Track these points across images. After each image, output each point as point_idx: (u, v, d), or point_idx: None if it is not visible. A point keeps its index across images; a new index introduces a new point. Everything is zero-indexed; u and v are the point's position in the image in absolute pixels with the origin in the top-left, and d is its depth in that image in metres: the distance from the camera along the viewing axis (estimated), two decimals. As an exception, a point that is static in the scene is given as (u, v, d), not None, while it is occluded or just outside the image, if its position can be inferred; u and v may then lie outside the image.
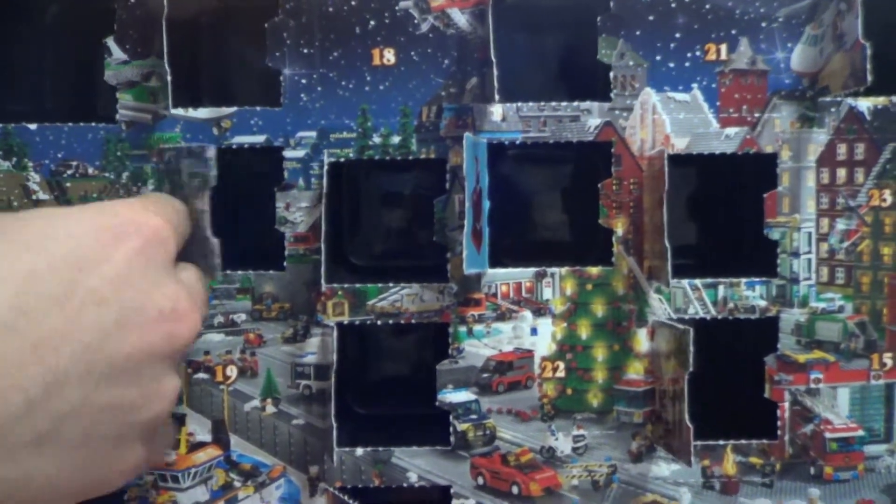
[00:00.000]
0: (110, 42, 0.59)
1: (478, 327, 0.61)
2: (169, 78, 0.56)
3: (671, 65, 0.59)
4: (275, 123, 0.61)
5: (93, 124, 0.60)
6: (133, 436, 0.43)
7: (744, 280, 0.60)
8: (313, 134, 0.61)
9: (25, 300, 0.37)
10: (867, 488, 0.60)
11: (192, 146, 0.59)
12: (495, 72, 0.54)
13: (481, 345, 0.61)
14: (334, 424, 0.56)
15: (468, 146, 0.53)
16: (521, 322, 0.61)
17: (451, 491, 0.60)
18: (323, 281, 0.57)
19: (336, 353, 0.56)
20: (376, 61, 0.60)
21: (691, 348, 0.52)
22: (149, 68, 0.60)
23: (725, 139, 0.59)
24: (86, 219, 0.42)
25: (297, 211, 0.61)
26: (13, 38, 0.62)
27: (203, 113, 0.61)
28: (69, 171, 0.61)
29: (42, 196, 0.61)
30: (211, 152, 0.57)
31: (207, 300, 0.50)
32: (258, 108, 0.60)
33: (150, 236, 0.43)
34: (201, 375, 0.62)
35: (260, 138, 0.61)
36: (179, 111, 0.60)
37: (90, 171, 0.61)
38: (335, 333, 0.57)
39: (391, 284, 0.61)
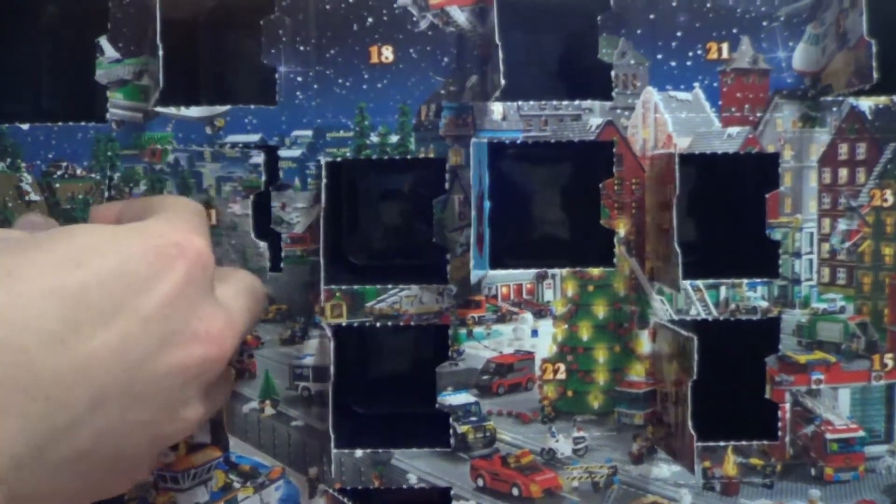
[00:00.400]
0: (103, 41, 0.58)
1: (478, 329, 0.60)
2: (160, 71, 0.55)
3: (672, 63, 0.59)
4: (269, 122, 0.60)
5: (82, 123, 0.59)
6: (148, 456, 0.43)
7: (745, 281, 0.60)
8: (309, 133, 0.60)
9: (76, 315, 0.37)
10: (868, 489, 0.60)
11: (225, 150, 0.58)
12: (501, 67, 0.53)
13: (481, 347, 0.60)
14: (331, 430, 0.56)
15: (475, 153, 0.53)
16: (522, 324, 0.60)
17: (451, 493, 0.60)
18: (322, 282, 0.57)
19: (333, 356, 0.55)
20: (374, 59, 0.59)
21: (695, 356, 0.51)
22: (141, 66, 0.59)
23: (728, 139, 0.59)
24: (133, 238, 0.41)
25: (293, 211, 0.60)
26: (6, 38, 0.60)
27: (196, 111, 0.59)
28: (59, 172, 0.60)
29: (34, 197, 0.60)
30: (259, 158, 0.57)
31: (251, 312, 0.49)
32: (252, 107, 0.59)
33: (193, 258, 0.42)
34: (198, 379, 0.61)
35: (254, 137, 0.60)
36: (172, 110, 0.59)
37: (79, 171, 0.60)
38: (332, 338, 0.56)
39: (390, 286, 0.60)
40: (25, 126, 0.59)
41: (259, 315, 0.52)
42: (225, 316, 0.44)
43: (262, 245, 0.58)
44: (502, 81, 0.53)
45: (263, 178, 0.58)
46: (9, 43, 0.61)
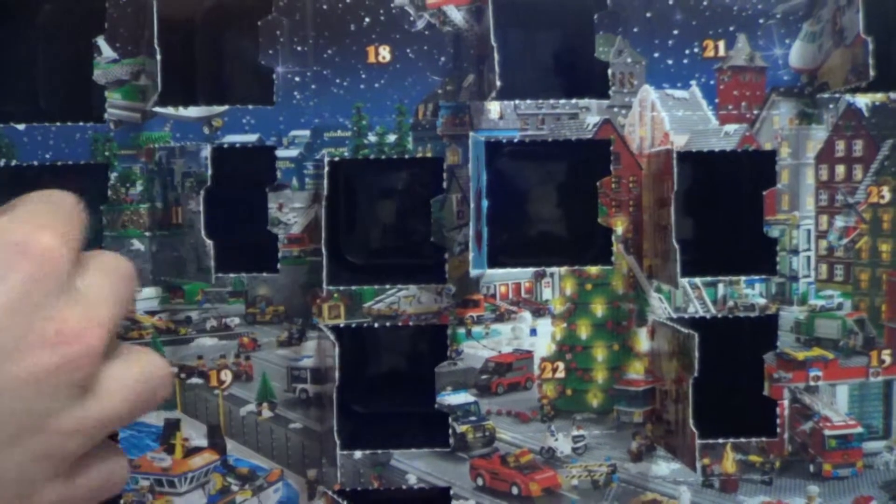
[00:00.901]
0: (100, 41, 0.58)
1: (476, 328, 0.60)
2: (159, 71, 0.55)
3: (669, 62, 0.59)
4: (267, 122, 0.59)
5: (81, 123, 0.59)
6: (43, 474, 0.40)
7: (743, 278, 0.60)
8: (307, 133, 0.60)
9: None
10: (866, 485, 0.60)
11: (186, 145, 0.58)
12: (497, 69, 0.53)
13: (480, 346, 0.60)
14: (336, 429, 0.55)
15: (473, 147, 0.53)
16: (521, 323, 0.60)
17: (451, 492, 0.60)
18: (325, 284, 0.56)
19: (338, 360, 0.55)
20: (371, 59, 0.59)
21: (696, 354, 0.51)
22: (138, 66, 0.59)
23: (725, 136, 0.59)
24: None
25: (290, 212, 0.60)
26: (2, 38, 0.60)
27: (193, 111, 0.59)
28: (56, 172, 0.59)
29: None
30: (205, 151, 0.56)
31: (117, 296, 0.46)
32: (250, 107, 0.59)
33: (37, 256, 0.39)
34: (195, 380, 0.60)
35: (252, 137, 0.60)
36: (170, 110, 0.59)
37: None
38: (336, 342, 0.56)
39: (388, 286, 0.60)
40: (22, 126, 0.59)
41: (129, 296, 0.48)
42: (82, 309, 0.41)
43: (209, 243, 0.57)
44: (498, 83, 0.53)
45: (210, 171, 0.58)
46: (5, 43, 0.60)
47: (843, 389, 0.60)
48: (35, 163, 0.59)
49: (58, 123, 0.59)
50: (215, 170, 0.56)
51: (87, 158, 0.59)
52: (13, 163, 0.59)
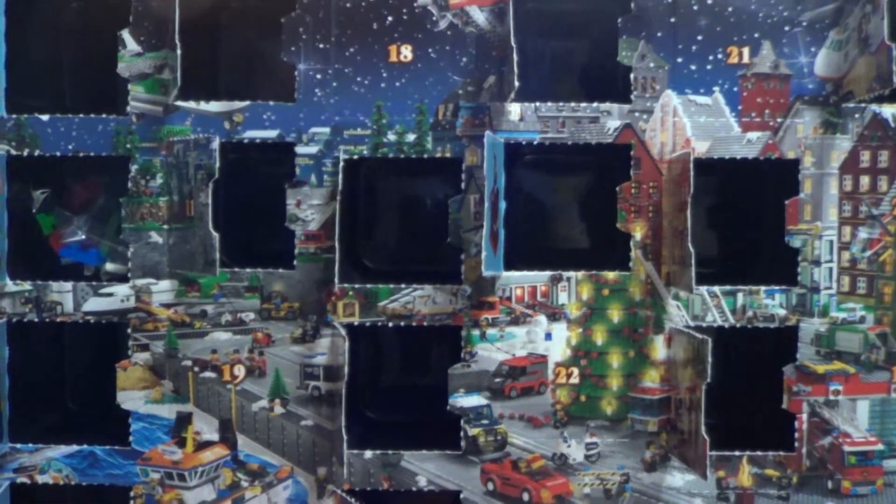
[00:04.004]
0: (125, 34, 0.58)
1: (491, 331, 0.60)
2: (178, 66, 0.56)
3: (693, 67, 0.58)
4: (288, 118, 0.60)
5: (103, 116, 0.60)
6: None
7: (763, 288, 0.59)
8: (327, 130, 0.60)
9: None
10: (886, 504, 0.58)
11: (199, 137, 0.58)
12: (516, 70, 0.53)
13: (494, 349, 0.60)
14: (344, 429, 0.55)
15: (489, 146, 0.52)
16: (536, 326, 0.60)
17: (461, 496, 0.59)
18: (337, 280, 0.56)
19: (348, 356, 0.55)
20: (393, 58, 0.59)
21: (709, 359, 0.51)
22: (162, 60, 0.59)
23: (747, 144, 0.58)
24: None
25: (308, 208, 0.60)
26: (30, 32, 0.61)
27: (214, 106, 0.60)
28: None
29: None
30: (215, 144, 0.56)
31: None
32: (271, 103, 0.59)
33: None
34: (208, 374, 0.61)
35: (272, 133, 0.60)
36: (191, 104, 0.59)
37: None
38: (346, 337, 0.56)
39: (403, 286, 0.60)
40: (45, 117, 0.59)
41: None
42: None
43: (215, 236, 0.57)
44: (516, 83, 0.53)
45: (217, 163, 0.58)
46: (31, 34, 0.61)
47: (863, 405, 0.58)
48: (58, 153, 0.60)
49: (81, 115, 0.59)
50: (227, 164, 0.56)
51: (108, 150, 0.60)
52: (36, 153, 0.60)
